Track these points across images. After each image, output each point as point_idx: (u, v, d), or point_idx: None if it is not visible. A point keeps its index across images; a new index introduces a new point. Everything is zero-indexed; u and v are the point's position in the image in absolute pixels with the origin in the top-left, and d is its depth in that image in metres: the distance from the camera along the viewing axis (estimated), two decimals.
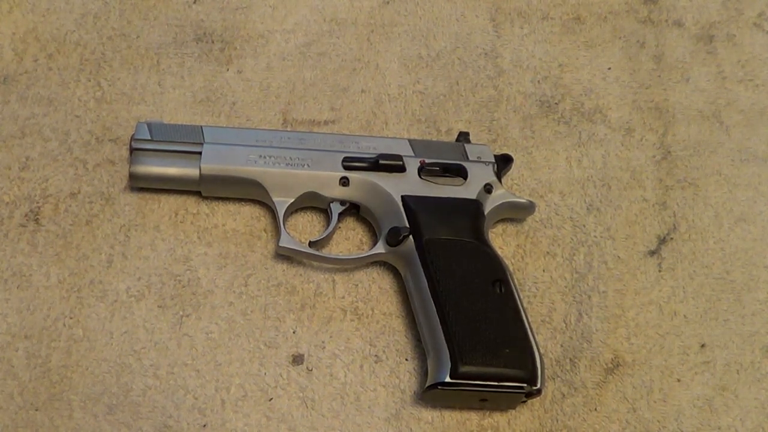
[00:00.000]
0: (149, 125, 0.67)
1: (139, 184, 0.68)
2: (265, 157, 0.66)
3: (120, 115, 0.73)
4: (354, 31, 0.79)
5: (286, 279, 0.66)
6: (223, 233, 0.68)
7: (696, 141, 0.76)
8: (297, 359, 0.63)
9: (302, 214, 0.70)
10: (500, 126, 0.75)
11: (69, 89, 0.73)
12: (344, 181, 0.66)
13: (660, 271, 0.69)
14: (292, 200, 0.66)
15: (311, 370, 0.63)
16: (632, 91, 0.78)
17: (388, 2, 0.81)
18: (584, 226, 0.71)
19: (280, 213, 0.66)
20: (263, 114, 0.74)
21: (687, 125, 0.77)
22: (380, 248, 0.65)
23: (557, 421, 0.62)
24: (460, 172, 0.67)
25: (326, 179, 0.66)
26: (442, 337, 0.59)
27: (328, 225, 0.67)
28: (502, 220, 0.70)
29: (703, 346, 0.66)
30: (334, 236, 0.68)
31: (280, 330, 0.64)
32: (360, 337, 0.64)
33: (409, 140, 0.69)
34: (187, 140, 0.67)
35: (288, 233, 0.65)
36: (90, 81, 0.74)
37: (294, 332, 0.64)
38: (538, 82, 0.78)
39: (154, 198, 0.69)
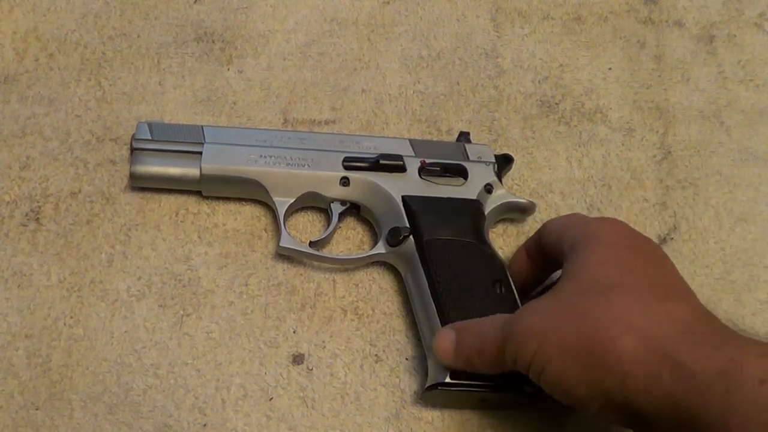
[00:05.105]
0: (150, 125, 0.67)
1: (140, 184, 0.68)
2: (265, 157, 0.66)
3: (121, 114, 0.73)
4: (354, 31, 0.79)
5: (286, 279, 0.66)
6: (223, 233, 0.68)
7: (696, 141, 0.76)
8: (297, 359, 0.63)
9: (303, 213, 0.70)
10: (501, 126, 0.75)
11: (70, 89, 0.74)
12: (345, 181, 0.66)
13: None
14: (293, 200, 0.66)
15: (311, 369, 0.63)
16: (633, 91, 0.78)
17: (388, 2, 0.81)
18: None
19: (281, 213, 0.66)
20: (264, 114, 0.74)
21: (687, 125, 0.77)
22: (380, 248, 0.65)
23: (558, 420, 0.62)
24: (461, 172, 0.67)
25: (327, 179, 0.66)
26: None
27: (328, 225, 0.67)
28: (503, 220, 0.70)
29: None
30: (335, 236, 0.68)
31: (281, 329, 0.64)
32: (360, 336, 0.64)
33: (410, 140, 0.69)
34: (187, 140, 0.67)
35: (288, 233, 0.65)
36: (91, 81, 0.74)
37: (294, 332, 0.64)
38: (539, 82, 0.78)
39: (154, 197, 0.69)
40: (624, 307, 0.48)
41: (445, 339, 0.56)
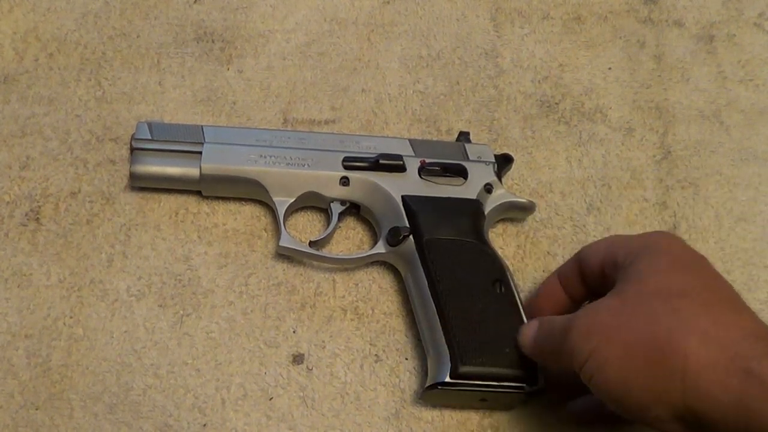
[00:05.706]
0: (149, 125, 0.67)
1: (140, 184, 0.68)
2: (265, 157, 0.66)
3: (120, 114, 0.73)
4: (354, 31, 0.79)
5: (286, 278, 0.66)
6: (223, 233, 0.68)
7: (696, 141, 0.76)
8: (297, 359, 0.63)
9: (302, 213, 0.70)
10: (500, 126, 0.75)
11: (69, 89, 0.74)
12: (344, 181, 0.66)
13: None
14: (293, 200, 0.66)
15: (311, 369, 0.63)
16: (632, 91, 0.78)
17: (388, 2, 0.81)
18: (584, 226, 0.71)
19: (281, 213, 0.66)
20: (263, 113, 0.74)
21: (687, 125, 0.77)
22: (380, 248, 0.65)
23: (559, 419, 0.62)
24: (461, 172, 0.67)
25: (326, 179, 0.66)
26: (442, 337, 0.59)
27: (328, 225, 0.67)
28: (502, 220, 0.70)
29: None
30: (335, 236, 0.68)
31: (281, 329, 0.64)
32: (360, 336, 0.64)
33: (410, 140, 0.69)
34: (187, 140, 0.67)
35: (288, 233, 0.65)
36: (90, 80, 0.74)
37: (294, 332, 0.64)
38: (539, 81, 0.78)
39: (154, 197, 0.69)
40: (692, 312, 0.47)
41: (529, 329, 0.57)
